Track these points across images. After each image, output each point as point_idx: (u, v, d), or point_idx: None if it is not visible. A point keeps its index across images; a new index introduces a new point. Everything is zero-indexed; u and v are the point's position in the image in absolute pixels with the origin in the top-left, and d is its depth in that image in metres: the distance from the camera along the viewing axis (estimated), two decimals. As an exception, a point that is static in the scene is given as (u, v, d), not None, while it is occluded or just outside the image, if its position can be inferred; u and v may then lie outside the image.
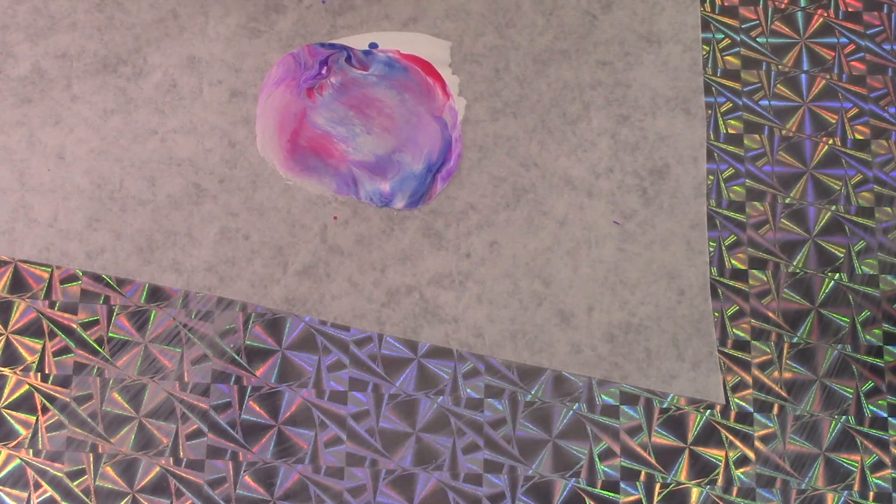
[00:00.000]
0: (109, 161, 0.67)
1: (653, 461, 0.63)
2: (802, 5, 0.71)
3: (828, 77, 0.69)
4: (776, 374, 0.64)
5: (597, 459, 0.63)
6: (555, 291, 0.65)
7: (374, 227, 0.66)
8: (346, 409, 0.64)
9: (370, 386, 0.64)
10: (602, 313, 0.65)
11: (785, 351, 0.65)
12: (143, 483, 0.63)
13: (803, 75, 0.69)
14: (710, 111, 0.68)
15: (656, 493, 0.63)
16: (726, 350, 0.65)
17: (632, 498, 0.63)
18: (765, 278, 0.66)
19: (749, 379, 0.64)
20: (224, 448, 0.63)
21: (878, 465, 0.63)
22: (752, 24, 0.70)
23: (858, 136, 0.68)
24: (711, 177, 0.67)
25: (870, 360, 0.65)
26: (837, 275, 0.66)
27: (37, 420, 0.64)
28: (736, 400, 0.64)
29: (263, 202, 0.66)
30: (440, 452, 0.63)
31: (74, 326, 0.65)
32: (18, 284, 0.65)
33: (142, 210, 0.66)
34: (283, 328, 0.65)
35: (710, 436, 0.64)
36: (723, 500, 0.63)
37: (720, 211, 0.67)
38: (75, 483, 0.63)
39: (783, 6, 0.71)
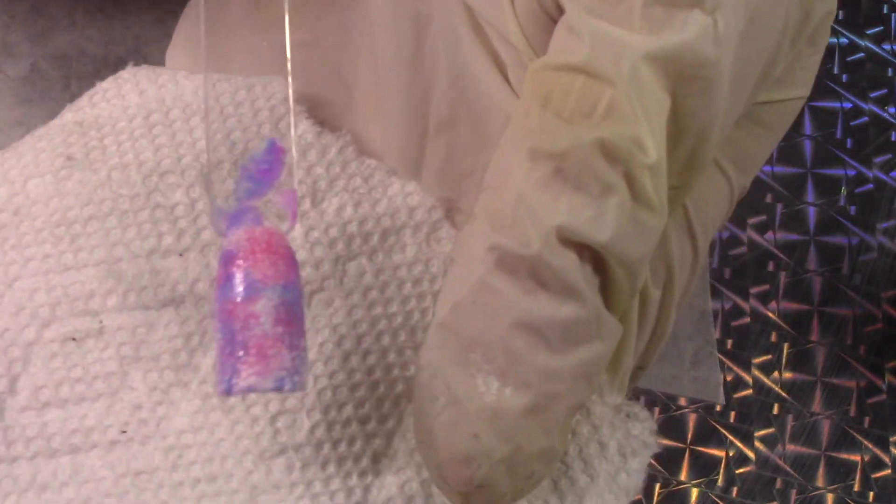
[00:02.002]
0: (109, 161, 0.67)
1: (653, 461, 0.63)
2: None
3: (828, 78, 0.69)
4: (776, 374, 0.64)
5: (597, 459, 0.63)
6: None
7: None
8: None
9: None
10: (602, 313, 0.65)
11: (785, 351, 0.65)
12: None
13: (803, 75, 0.69)
14: (710, 111, 0.68)
15: (656, 494, 0.63)
16: (726, 350, 0.65)
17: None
18: (765, 278, 0.66)
19: (749, 379, 0.64)
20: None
21: (878, 465, 0.63)
22: (751, 24, 0.70)
23: (858, 136, 0.68)
24: (711, 177, 0.67)
25: (870, 359, 0.65)
26: (837, 275, 0.66)
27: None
28: (736, 400, 0.64)
29: (263, 202, 0.66)
30: (440, 452, 0.63)
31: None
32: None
33: (142, 210, 0.66)
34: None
35: (710, 436, 0.64)
36: (723, 500, 0.63)
37: (720, 211, 0.67)
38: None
39: (783, 6, 0.71)
